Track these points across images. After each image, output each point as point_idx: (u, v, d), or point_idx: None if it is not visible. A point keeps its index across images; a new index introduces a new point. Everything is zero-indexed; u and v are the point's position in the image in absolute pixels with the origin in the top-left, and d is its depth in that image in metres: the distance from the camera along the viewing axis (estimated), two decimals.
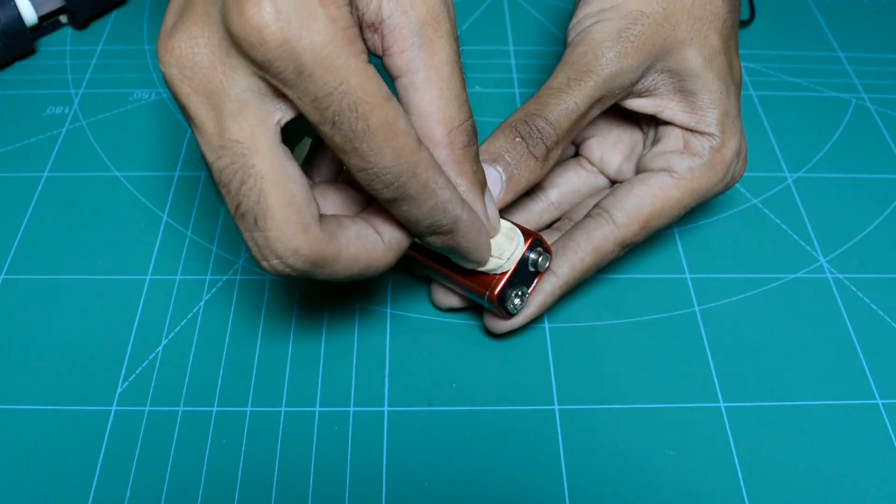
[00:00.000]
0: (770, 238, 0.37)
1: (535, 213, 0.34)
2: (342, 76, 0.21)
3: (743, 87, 0.44)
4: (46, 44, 0.45)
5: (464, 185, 0.26)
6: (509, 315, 0.30)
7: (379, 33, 0.24)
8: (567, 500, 0.28)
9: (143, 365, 0.31)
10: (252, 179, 0.22)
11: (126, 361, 0.31)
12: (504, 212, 0.32)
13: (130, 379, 0.31)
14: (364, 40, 0.23)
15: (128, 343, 0.32)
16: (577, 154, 0.36)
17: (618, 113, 0.34)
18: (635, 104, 0.31)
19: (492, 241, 0.28)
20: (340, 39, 0.21)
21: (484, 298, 0.29)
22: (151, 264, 0.34)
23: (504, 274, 0.28)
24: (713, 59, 0.30)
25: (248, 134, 0.22)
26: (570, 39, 0.31)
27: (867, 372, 0.32)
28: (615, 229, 0.30)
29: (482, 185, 0.27)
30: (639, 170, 0.32)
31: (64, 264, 0.34)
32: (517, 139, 0.29)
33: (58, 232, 0.35)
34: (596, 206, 0.31)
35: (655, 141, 0.32)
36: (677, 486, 0.28)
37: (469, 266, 0.28)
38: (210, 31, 0.22)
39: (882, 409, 0.31)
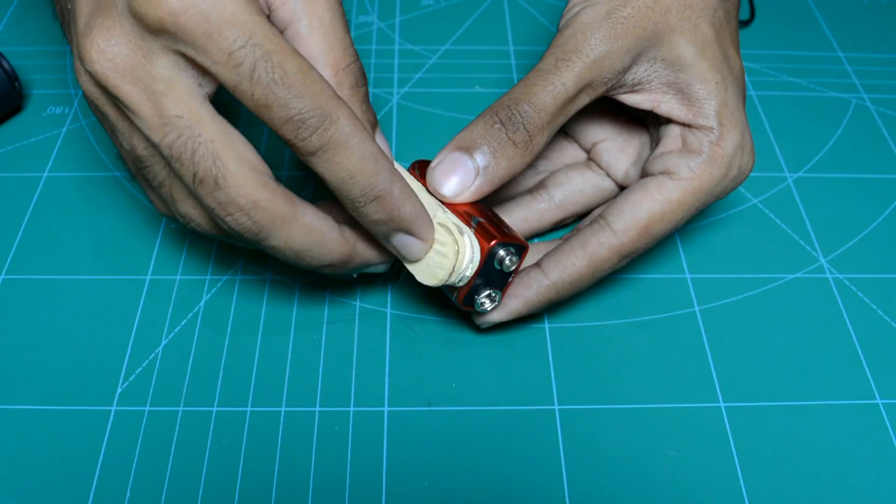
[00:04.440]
0: (770, 238, 0.37)
1: (537, 211, 0.34)
2: (251, 30, 0.23)
3: None
4: (47, 44, 0.45)
5: None
6: (483, 313, 0.30)
7: None
8: (567, 500, 0.28)
9: (143, 365, 0.31)
10: (203, 146, 0.24)
11: (126, 361, 0.31)
12: (502, 207, 0.32)
13: (130, 379, 0.31)
14: None
15: (128, 343, 0.32)
16: (588, 159, 0.36)
17: (626, 117, 0.34)
18: (631, 99, 0.31)
19: (440, 252, 0.28)
20: (245, 1, 0.23)
21: (454, 299, 0.29)
22: (151, 264, 0.34)
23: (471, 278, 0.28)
24: (705, 48, 0.30)
25: (186, 107, 0.24)
26: (560, 25, 0.30)
27: (867, 372, 0.32)
28: (611, 236, 0.30)
29: (371, 126, 0.28)
30: (642, 174, 0.32)
31: (64, 264, 0.34)
32: (496, 125, 0.28)
33: (58, 232, 0.35)
34: (601, 215, 0.31)
35: (657, 143, 0.32)
36: (677, 486, 0.28)
37: (417, 257, 0.28)
38: (121, 21, 0.23)
39: (882, 409, 0.31)
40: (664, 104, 0.30)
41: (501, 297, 0.30)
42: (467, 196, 0.28)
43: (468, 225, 0.28)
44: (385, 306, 0.33)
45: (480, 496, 0.28)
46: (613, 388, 0.31)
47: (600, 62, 0.28)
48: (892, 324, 0.34)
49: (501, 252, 0.28)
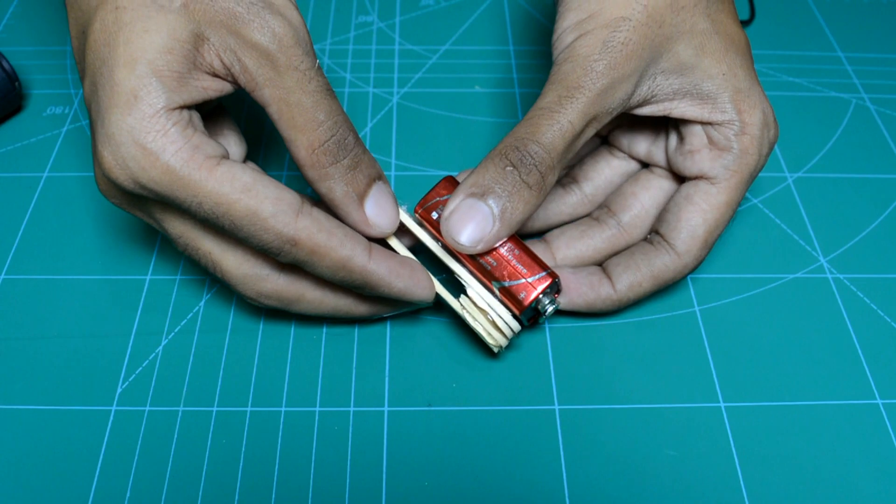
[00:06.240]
0: (770, 238, 0.37)
1: (570, 205, 0.34)
2: (192, 191, 0.25)
3: None
4: (47, 44, 0.45)
5: (335, 202, 0.28)
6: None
7: (233, 78, 0.27)
8: (567, 500, 0.28)
9: (143, 365, 0.31)
10: (203, 256, 0.28)
11: (126, 361, 0.31)
12: (535, 214, 0.31)
13: (130, 379, 0.31)
14: (237, 83, 0.27)
15: (128, 343, 0.32)
16: (604, 142, 0.35)
17: None
18: (642, 112, 0.30)
19: (486, 326, 0.29)
20: (182, 163, 0.25)
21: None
22: (151, 264, 0.34)
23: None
24: (705, 44, 0.29)
25: (181, 229, 0.28)
26: (554, 57, 0.29)
27: (867, 372, 0.32)
28: (677, 259, 0.30)
29: (357, 198, 0.28)
30: (671, 167, 0.32)
31: (64, 264, 0.34)
32: (508, 168, 0.27)
33: (58, 232, 0.35)
34: (655, 231, 0.31)
35: (680, 136, 0.31)
36: (677, 486, 0.28)
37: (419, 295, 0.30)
38: (105, 179, 0.27)
39: (882, 409, 0.31)
40: (676, 109, 0.30)
41: (557, 296, 0.30)
42: (486, 244, 0.28)
43: (490, 288, 0.29)
44: None
45: (480, 496, 0.28)
46: (613, 388, 0.31)
47: (604, 95, 0.28)
48: (892, 324, 0.34)
49: (537, 307, 0.29)
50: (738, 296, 0.34)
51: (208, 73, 0.26)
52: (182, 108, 0.26)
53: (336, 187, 0.27)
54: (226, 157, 0.26)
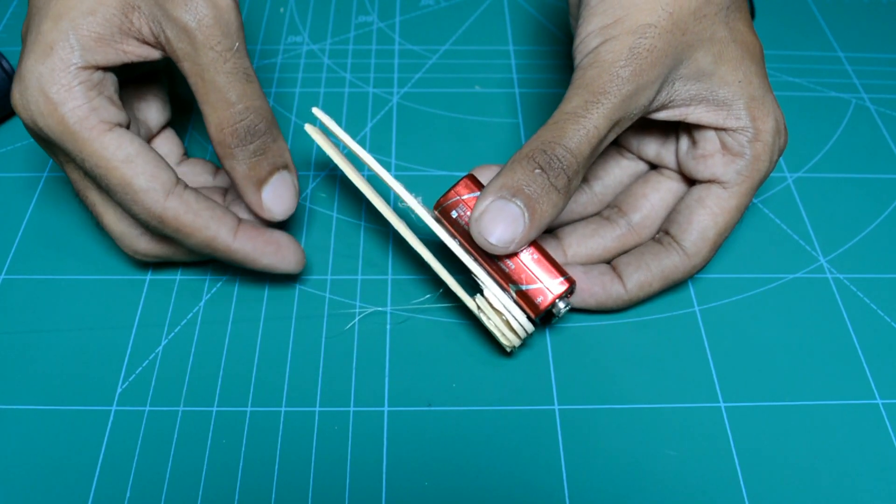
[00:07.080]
0: (770, 238, 0.37)
1: (580, 203, 0.34)
2: (79, 146, 0.28)
3: None
4: None
5: (236, 181, 0.30)
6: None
7: (161, 47, 0.29)
8: (567, 500, 0.28)
9: (143, 365, 0.31)
10: (91, 206, 0.31)
11: (126, 361, 0.31)
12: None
13: (130, 379, 0.31)
14: (166, 51, 0.29)
15: (128, 343, 0.32)
16: (614, 143, 0.35)
17: None
18: (658, 116, 0.31)
19: (502, 327, 0.29)
20: (76, 119, 0.27)
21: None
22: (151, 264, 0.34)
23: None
24: (723, 52, 0.29)
25: (76, 175, 0.30)
26: (577, 62, 0.29)
27: (867, 372, 0.32)
28: (686, 260, 0.31)
29: (256, 182, 0.30)
30: (682, 170, 0.32)
31: (64, 264, 0.34)
32: (536, 170, 0.27)
33: (58, 232, 0.35)
34: (665, 231, 0.32)
35: (692, 140, 0.32)
36: (677, 486, 0.28)
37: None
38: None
39: (882, 409, 0.31)
40: (692, 115, 0.30)
41: (570, 294, 0.30)
42: (516, 245, 0.28)
43: (507, 290, 0.29)
44: (385, 306, 0.33)
45: (480, 496, 0.28)
46: (613, 388, 0.31)
47: (628, 101, 0.28)
48: (892, 324, 0.34)
49: (552, 309, 0.29)
50: (738, 296, 0.34)
51: (136, 39, 0.28)
52: (96, 68, 0.28)
53: (238, 167, 0.30)
54: (123, 125, 0.29)
